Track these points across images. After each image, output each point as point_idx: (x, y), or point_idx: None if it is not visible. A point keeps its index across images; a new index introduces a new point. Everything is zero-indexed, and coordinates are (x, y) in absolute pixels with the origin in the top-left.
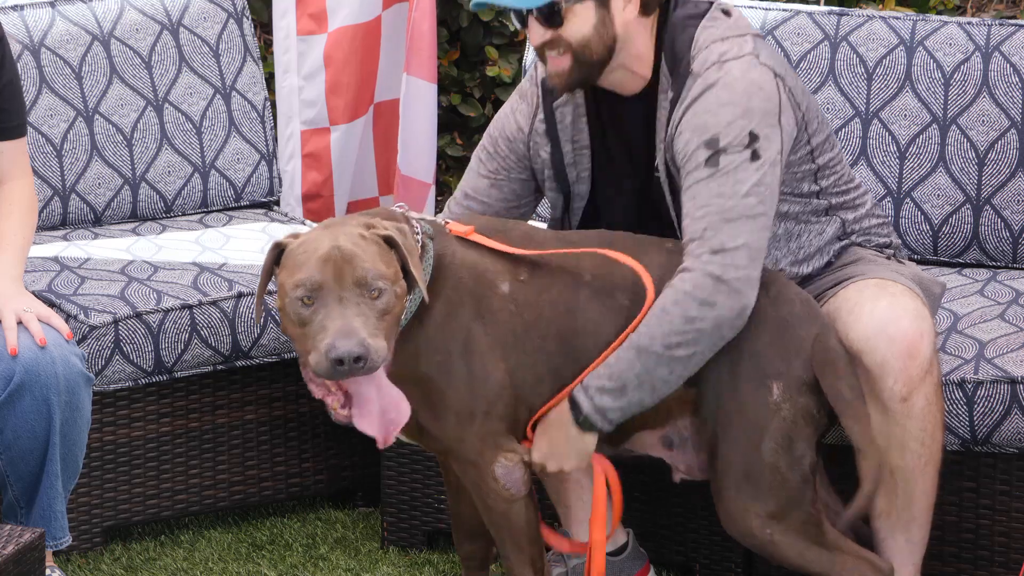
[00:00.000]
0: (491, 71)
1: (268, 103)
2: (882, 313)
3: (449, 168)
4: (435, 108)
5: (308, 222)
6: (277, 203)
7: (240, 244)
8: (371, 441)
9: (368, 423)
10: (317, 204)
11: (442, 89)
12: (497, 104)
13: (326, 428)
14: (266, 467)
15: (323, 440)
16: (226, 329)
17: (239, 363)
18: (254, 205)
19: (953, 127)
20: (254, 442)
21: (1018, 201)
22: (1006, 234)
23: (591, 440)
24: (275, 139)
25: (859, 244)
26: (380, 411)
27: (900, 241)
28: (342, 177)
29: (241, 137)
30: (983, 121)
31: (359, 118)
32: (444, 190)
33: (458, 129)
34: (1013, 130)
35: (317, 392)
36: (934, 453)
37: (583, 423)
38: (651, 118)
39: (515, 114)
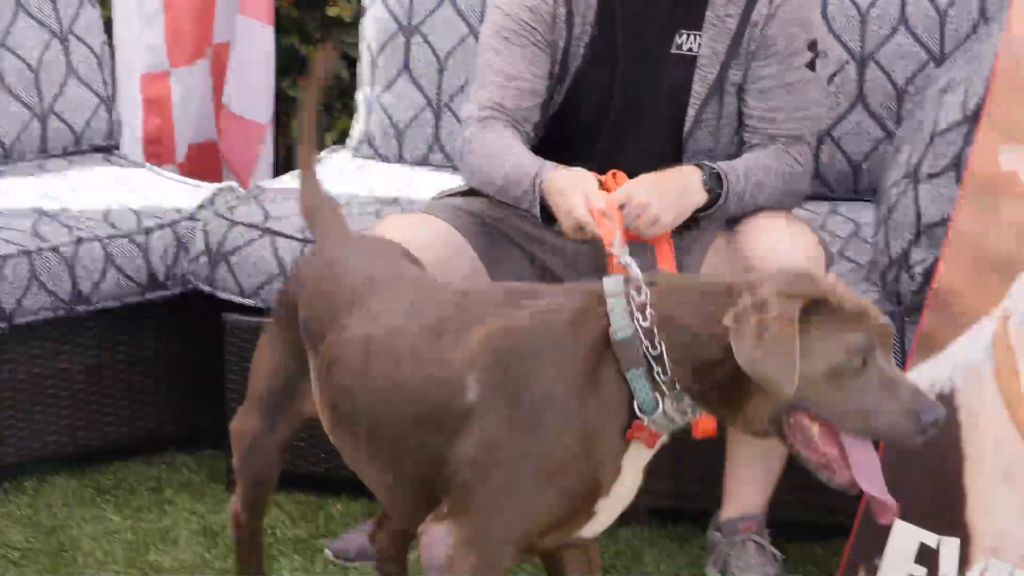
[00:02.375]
0: (331, 11)
1: (107, 47)
2: (780, 235)
3: (289, 110)
4: (272, 49)
5: (149, 165)
6: (117, 147)
7: (80, 189)
8: (216, 383)
9: (871, 484)
10: (158, 148)
11: (282, 30)
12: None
13: (169, 371)
14: (110, 411)
15: (167, 384)
16: (66, 275)
17: (80, 308)
18: (94, 150)
19: None
20: (98, 386)
21: (857, 133)
22: (846, 165)
23: (690, 207)
24: (114, 83)
25: None
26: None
27: None
28: (182, 120)
29: (80, 82)
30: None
31: (198, 61)
32: (284, 131)
33: (299, 70)
34: (851, 63)
35: (818, 459)
36: None
37: (708, 181)
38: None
39: None
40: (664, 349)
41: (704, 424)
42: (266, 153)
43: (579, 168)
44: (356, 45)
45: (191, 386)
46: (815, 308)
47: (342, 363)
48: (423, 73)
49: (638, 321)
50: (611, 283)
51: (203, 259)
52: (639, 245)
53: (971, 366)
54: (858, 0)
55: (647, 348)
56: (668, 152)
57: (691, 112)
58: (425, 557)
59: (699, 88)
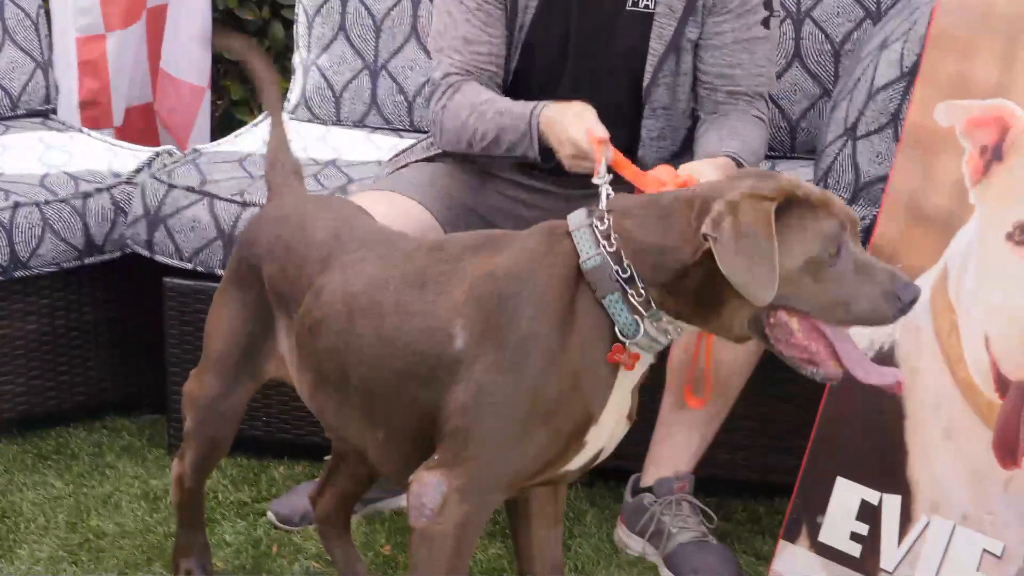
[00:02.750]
0: None
1: (42, 10)
2: None
3: (227, 72)
4: (209, 12)
5: (85, 130)
6: (54, 111)
7: (16, 153)
8: (156, 347)
9: (866, 370)
10: (94, 111)
11: None
12: (275, 7)
13: (109, 336)
14: (50, 377)
15: (107, 348)
16: (3, 240)
17: (18, 274)
18: (31, 114)
19: None
20: (37, 352)
21: (795, 91)
22: (784, 124)
23: None
24: (50, 47)
25: None
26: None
27: None
28: (119, 84)
29: (15, 46)
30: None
31: (134, 24)
32: (222, 94)
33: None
34: (788, 20)
35: (800, 355)
36: (757, 355)
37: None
38: None
39: None
40: (634, 270)
41: (692, 399)
42: (203, 116)
43: (577, 101)
44: (293, 7)
45: (131, 351)
46: (785, 204)
47: (326, 324)
48: (360, 35)
49: (605, 248)
50: (575, 216)
51: (141, 223)
52: None
53: (911, 323)
54: None
55: (618, 272)
56: (628, 108)
57: (649, 68)
58: (415, 505)
59: (656, 45)
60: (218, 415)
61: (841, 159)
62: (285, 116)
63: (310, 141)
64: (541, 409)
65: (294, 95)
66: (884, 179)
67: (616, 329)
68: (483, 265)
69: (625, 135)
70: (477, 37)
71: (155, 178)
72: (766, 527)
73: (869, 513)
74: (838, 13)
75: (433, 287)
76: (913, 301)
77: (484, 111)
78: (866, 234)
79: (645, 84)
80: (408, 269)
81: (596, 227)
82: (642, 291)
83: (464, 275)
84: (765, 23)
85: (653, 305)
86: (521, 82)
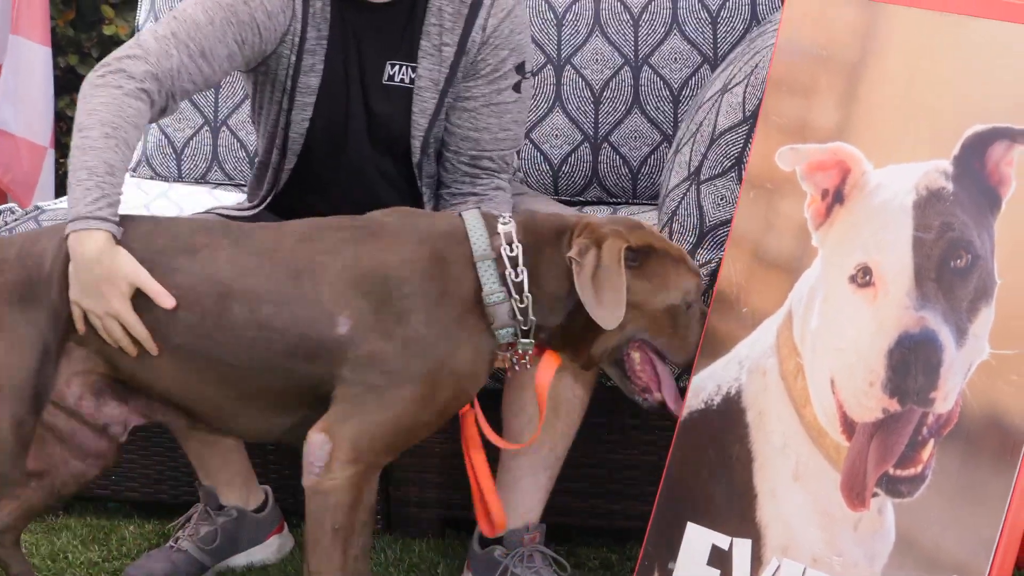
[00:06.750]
0: (108, 29)
1: None
2: None
3: (69, 130)
4: (51, 70)
5: None
6: None
7: None
8: None
9: (675, 403)
10: None
11: (59, 50)
12: None
13: None
14: None
15: None
16: None
17: None
18: None
19: (568, 67)
20: None
21: (635, 138)
22: (625, 170)
23: None
24: None
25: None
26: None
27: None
28: None
29: None
30: (596, 60)
31: None
32: (64, 152)
33: (77, 90)
34: (627, 68)
35: (640, 383)
36: (590, 390)
37: None
38: (407, 24)
39: None
40: (525, 278)
41: (487, 527)
42: (47, 173)
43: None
44: None
45: None
46: (648, 252)
47: (185, 304)
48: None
49: (510, 277)
50: (478, 239)
51: None
52: None
53: (757, 366)
54: (629, 4)
55: (511, 276)
56: (405, 178)
57: (416, 144)
58: (305, 465)
59: (420, 119)
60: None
61: (685, 203)
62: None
63: (152, 198)
64: (424, 393)
65: (135, 152)
66: (728, 223)
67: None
68: (367, 259)
69: (409, 200)
70: (215, 57)
71: None
72: (618, 574)
73: (720, 557)
74: (675, 59)
75: (309, 276)
76: None
77: (95, 135)
78: (711, 278)
79: (416, 158)
80: (278, 257)
81: (505, 253)
82: (527, 297)
83: (346, 267)
84: (516, 87)
85: (531, 313)
86: (311, 153)
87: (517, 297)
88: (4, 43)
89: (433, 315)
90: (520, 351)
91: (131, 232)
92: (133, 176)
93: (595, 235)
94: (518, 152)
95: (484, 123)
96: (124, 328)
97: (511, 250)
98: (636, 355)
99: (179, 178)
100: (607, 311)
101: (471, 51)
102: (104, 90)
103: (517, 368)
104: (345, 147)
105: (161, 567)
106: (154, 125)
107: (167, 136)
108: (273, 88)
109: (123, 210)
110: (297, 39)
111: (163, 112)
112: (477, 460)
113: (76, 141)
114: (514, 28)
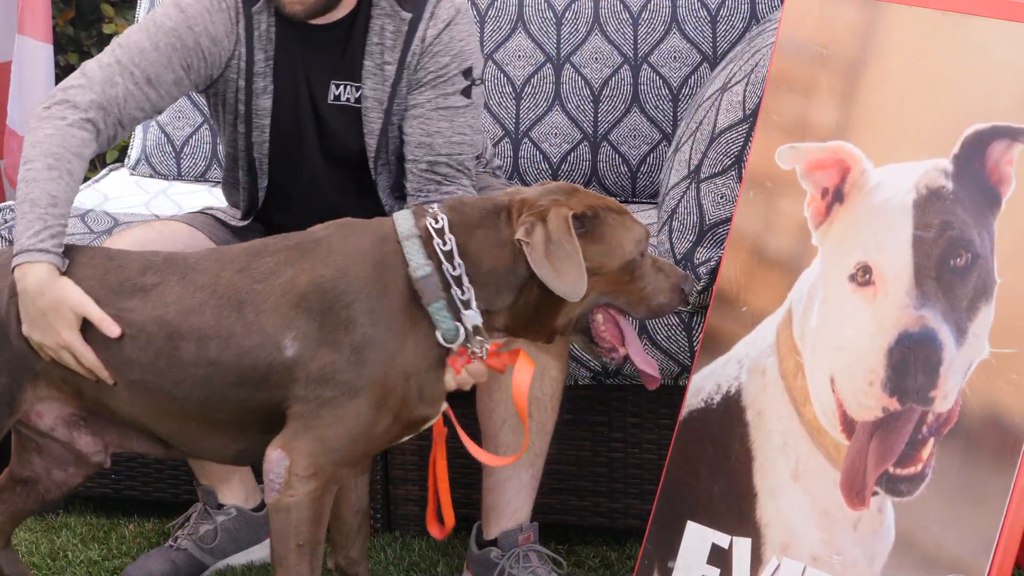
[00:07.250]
0: (108, 28)
1: None
2: None
3: None
4: (52, 68)
5: None
6: None
7: None
8: None
9: (643, 360)
10: None
11: (59, 48)
12: None
13: None
14: None
15: None
16: None
17: None
18: None
19: (567, 65)
20: None
21: (635, 136)
22: (624, 169)
23: None
24: None
25: (488, 172)
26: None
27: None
28: None
29: None
30: (596, 59)
31: None
32: None
33: None
34: (626, 66)
35: (606, 345)
36: (561, 384)
37: None
38: (347, 44)
39: (212, 13)
40: (463, 271)
41: (435, 529)
42: None
43: (68, 292)
44: None
45: None
46: (594, 215)
47: (138, 343)
48: None
49: (439, 247)
50: (403, 222)
51: None
52: None
53: (757, 365)
54: (629, 3)
55: (449, 270)
56: (366, 190)
57: (370, 159)
58: (266, 482)
59: (370, 140)
60: None
61: (685, 201)
62: (125, 171)
63: (152, 196)
64: (378, 401)
65: (135, 150)
66: (728, 221)
67: (438, 334)
68: (304, 277)
69: (372, 210)
70: (161, 84)
71: None
72: (618, 573)
73: (720, 557)
74: (675, 58)
75: (251, 306)
76: (694, 288)
77: (38, 166)
78: (712, 276)
79: (373, 173)
80: (220, 291)
81: (430, 225)
82: (468, 289)
83: (285, 290)
84: (466, 92)
85: (475, 305)
86: (272, 171)
87: (449, 266)
88: (12, 42)
89: (377, 313)
90: (474, 349)
91: (86, 268)
92: (133, 174)
93: (536, 210)
94: (517, 152)
95: (435, 127)
96: (78, 359)
97: (436, 222)
98: (599, 316)
99: (178, 176)
100: (569, 284)
101: (411, 65)
102: (49, 122)
103: (483, 361)
104: (302, 164)
105: (160, 566)
106: (153, 123)
107: (167, 134)
108: (225, 110)
109: (123, 210)
110: (243, 63)
111: (112, 140)
112: (440, 464)
113: (21, 174)
114: (454, 36)
